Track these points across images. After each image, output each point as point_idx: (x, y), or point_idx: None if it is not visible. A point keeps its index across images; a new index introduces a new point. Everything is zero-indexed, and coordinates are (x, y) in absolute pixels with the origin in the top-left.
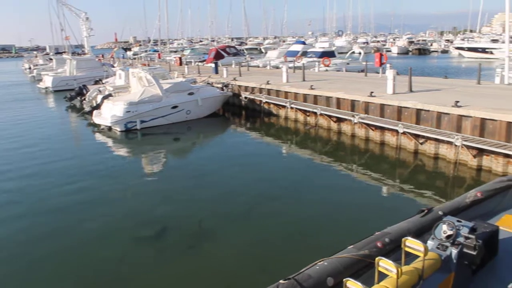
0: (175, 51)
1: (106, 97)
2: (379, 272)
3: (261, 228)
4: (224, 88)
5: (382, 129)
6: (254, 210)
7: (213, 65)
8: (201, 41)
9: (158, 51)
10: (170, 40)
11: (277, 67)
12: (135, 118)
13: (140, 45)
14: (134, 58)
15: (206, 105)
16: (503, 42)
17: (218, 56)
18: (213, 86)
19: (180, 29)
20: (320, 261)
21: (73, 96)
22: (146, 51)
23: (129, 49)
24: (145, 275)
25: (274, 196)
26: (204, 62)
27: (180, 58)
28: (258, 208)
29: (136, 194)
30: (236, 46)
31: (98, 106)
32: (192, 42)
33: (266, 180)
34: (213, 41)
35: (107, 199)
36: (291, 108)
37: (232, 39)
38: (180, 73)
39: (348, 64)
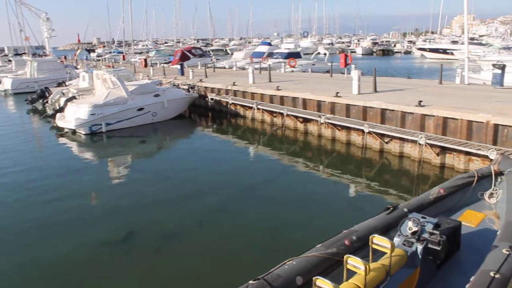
0: (140, 53)
1: (69, 99)
2: (348, 270)
3: (230, 229)
4: (190, 89)
5: (348, 129)
6: (222, 211)
7: (178, 66)
8: (166, 42)
9: (122, 53)
10: (135, 42)
11: (243, 68)
12: (100, 121)
13: (104, 46)
14: (98, 60)
15: (172, 107)
16: (463, 44)
17: (183, 57)
18: (179, 87)
19: (145, 30)
20: (289, 261)
21: (35, 98)
22: (110, 52)
23: (93, 51)
24: (111, 279)
25: (242, 197)
26: (170, 64)
27: (145, 60)
28: (226, 209)
29: (101, 198)
30: (202, 48)
31: (61, 109)
32: (157, 43)
33: (233, 181)
34: (179, 42)
35: (71, 203)
36: (258, 109)
37: (198, 40)
38: (146, 74)
39: (313, 65)
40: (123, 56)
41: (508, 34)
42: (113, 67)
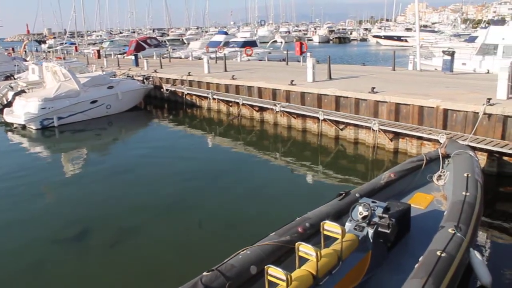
0: (94, 44)
1: (18, 93)
2: (300, 257)
3: (186, 221)
4: (145, 80)
5: (303, 116)
6: (178, 203)
7: (133, 57)
8: (121, 33)
9: (75, 44)
10: (88, 32)
11: (200, 58)
12: (52, 115)
13: (55, 37)
14: (49, 52)
15: (126, 99)
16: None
17: (138, 48)
18: (133, 79)
19: (98, 21)
20: (242, 250)
21: None
22: (62, 43)
23: (43, 42)
24: (66, 277)
25: (198, 188)
26: (125, 55)
27: (99, 51)
28: (182, 201)
29: (55, 195)
30: (158, 37)
31: (9, 104)
32: (111, 33)
33: (190, 172)
34: (134, 32)
35: (24, 202)
36: (214, 99)
37: (154, 30)
38: (99, 66)
39: (270, 53)
40: (76, 47)
41: (458, 21)
42: (64, 59)
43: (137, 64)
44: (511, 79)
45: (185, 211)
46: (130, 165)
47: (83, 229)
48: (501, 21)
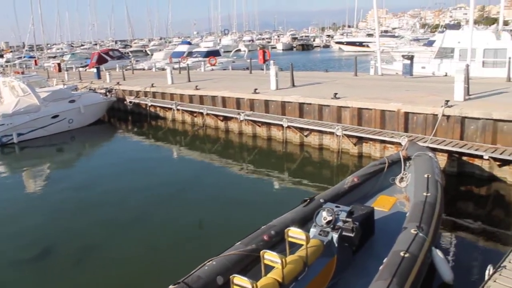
0: (54, 57)
1: None
2: (266, 265)
3: (151, 235)
4: (108, 93)
5: (268, 124)
6: (143, 216)
7: (95, 70)
8: (82, 45)
9: (34, 57)
10: (48, 45)
11: (163, 69)
12: (11, 131)
13: (12, 51)
14: (7, 66)
15: (89, 113)
16: None
17: (100, 60)
18: (96, 92)
19: (58, 33)
20: (209, 261)
21: None
22: (20, 57)
23: (1, 56)
24: None
25: (164, 200)
26: (87, 68)
27: (59, 64)
28: (148, 214)
29: (16, 213)
30: (120, 49)
31: None
32: (72, 46)
33: (155, 184)
34: (96, 44)
35: None
36: (178, 110)
37: (116, 42)
38: (60, 80)
39: (233, 62)
40: (35, 61)
41: (417, 26)
42: (23, 73)
43: (99, 77)
44: (467, 81)
45: (151, 224)
46: (95, 179)
47: (45, 248)
48: (457, 26)
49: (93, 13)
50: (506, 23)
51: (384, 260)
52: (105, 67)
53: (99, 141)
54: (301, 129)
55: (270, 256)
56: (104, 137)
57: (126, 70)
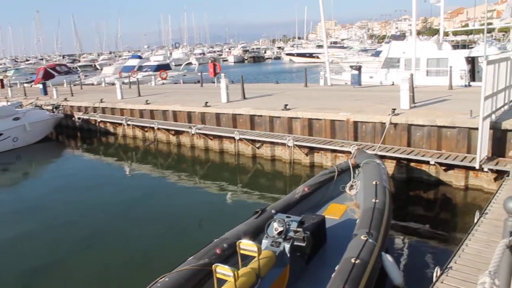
0: None
1: None
2: (218, 279)
3: (102, 254)
4: (55, 110)
5: (220, 137)
6: (95, 235)
7: (41, 86)
8: (27, 60)
9: None
10: None
11: (113, 84)
12: None
13: None
14: None
15: (35, 130)
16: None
17: (47, 75)
18: (42, 108)
19: (1, 48)
20: (161, 278)
21: None
22: None
23: None
24: None
25: (116, 217)
26: (32, 83)
27: (2, 80)
28: (99, 232)
29: None
30: (68, 64)
31: None
32: (16, 61)
33: (106, 202)
34: (42, 59)
35: None
36: (128, 125)
37: (64, 57)
38: (3, 96)
39: (184, 75)
40: None
41: (364, 37)
42: None
43: (45, 93)
44: (412, 89)
45: (101, 244)
46: (42, 199)
47: None
48: (402, 36)
49: (38, 26)
50: (446, 34)
51: (336, 267)
52: (52, 83)
53: (47, 159)
54: (253, 141)
55: (222, 270)
56: (52, 155)
57: (74, 85)
